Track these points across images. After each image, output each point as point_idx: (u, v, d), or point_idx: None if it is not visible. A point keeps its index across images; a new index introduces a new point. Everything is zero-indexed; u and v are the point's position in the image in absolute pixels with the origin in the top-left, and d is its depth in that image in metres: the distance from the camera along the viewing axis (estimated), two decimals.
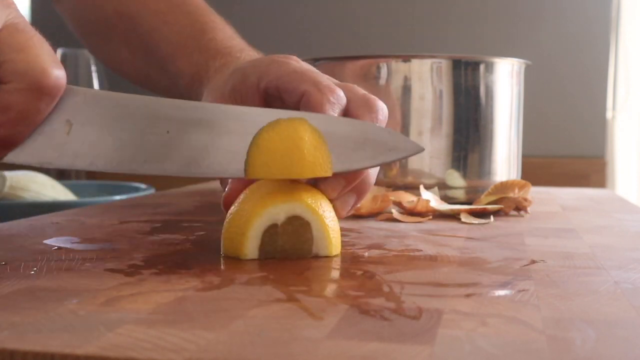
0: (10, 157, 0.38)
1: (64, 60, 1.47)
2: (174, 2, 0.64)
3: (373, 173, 0.48)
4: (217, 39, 0.60)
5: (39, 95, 0.36)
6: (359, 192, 0.47)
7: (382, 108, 0.47)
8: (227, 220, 0.44)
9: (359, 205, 0.50)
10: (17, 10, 0.37)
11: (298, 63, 0.50)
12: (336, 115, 0.46)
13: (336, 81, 0.49)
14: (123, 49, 0.66)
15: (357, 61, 0.74)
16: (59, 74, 0.37)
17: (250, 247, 0.42)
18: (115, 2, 0.66)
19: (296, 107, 0.47)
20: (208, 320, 0.29)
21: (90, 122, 0.40)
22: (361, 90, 0.48)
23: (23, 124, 0.37)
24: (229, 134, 0.42)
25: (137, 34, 0.64)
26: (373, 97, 0.48)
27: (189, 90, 0.59)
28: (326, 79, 0.48)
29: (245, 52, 0.57)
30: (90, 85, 1.51)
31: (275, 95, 0.49)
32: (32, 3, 2.01)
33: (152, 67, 0.64)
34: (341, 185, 0.45)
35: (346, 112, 0.47)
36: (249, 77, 0.50)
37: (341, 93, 0.47)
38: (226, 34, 0.61)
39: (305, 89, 0.46)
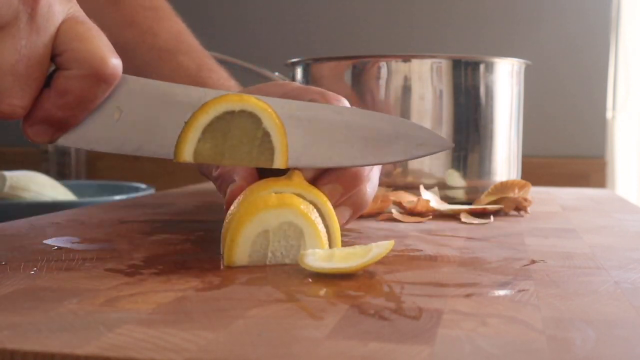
0: (62, 140, 0.41)
1: None
2: (171, 41, 0.65)
3: (370, 191, 0.49)
4: (214, 78, 0.61)
5: (97, 82, 0.39)
6: (355, 206, 0.48)
7: None
8: (226, 220, 0.43)
9: (352, 221, 0.51)
10: (77, 5, 0.40)
11: (298, 84, 0.52)
12: None
13: None
14: None
15: (358, 61, 0.74)
16: (116, 63, 0.39)
17: (240, 254, 0.41)
18: (113, 31, 0.67)
19: None
20: (208, 320, 0.29)
21: (139, 109, 0.42)
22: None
23: (79, 108, 0.40)
24: None
25: (132, 65, 0.66)
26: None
27: None
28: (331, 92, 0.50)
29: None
30: None
31: None
32: None
33: None
34: (338, 192, 0.46)
35: None
36: None
37: (346, 102, 0.49)
38: (222, 75, 0.63)
39: (312, 97, 0.48)
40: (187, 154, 0.42)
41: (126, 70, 0.68)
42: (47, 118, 0.39)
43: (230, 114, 0.42)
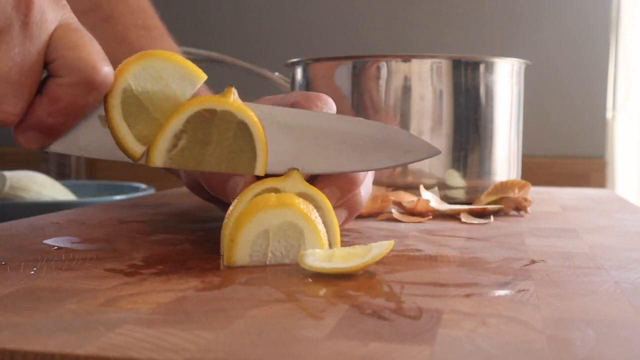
0: (53, 147, 0.41)
1: None
2: None
3: (365, 194, 0.49)
4: None
5: (89, 90, 0.39)
6: (351, 209, 0.49)
7: None
8: (225, 220, 0.43)
9: (348, 223, 0.51)
10: (70, 11, 0.40)
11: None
12: None
13: None
14: None
15: (358, 61, 0.74)
16: (107, 71, 0.39)
17: (240, 254, 0.41)
18: (104, 48, 0.67)
19: None
20: (208, 320, 0.29)
21: None
22: None
23: (70, 115, 0.40)
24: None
25: None
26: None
27: None
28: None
29: None
30: None
31: None
32: None
33: None
34: (336, 196, 0.46)
35: None
36: None
37: (330, 100, 0.50)
38: None
39: (295, 99, 0.49)
40: (159, 159, 0.42)
41: None
42: (39, 125, 0.39)
43: (211, 112, 0.42)
